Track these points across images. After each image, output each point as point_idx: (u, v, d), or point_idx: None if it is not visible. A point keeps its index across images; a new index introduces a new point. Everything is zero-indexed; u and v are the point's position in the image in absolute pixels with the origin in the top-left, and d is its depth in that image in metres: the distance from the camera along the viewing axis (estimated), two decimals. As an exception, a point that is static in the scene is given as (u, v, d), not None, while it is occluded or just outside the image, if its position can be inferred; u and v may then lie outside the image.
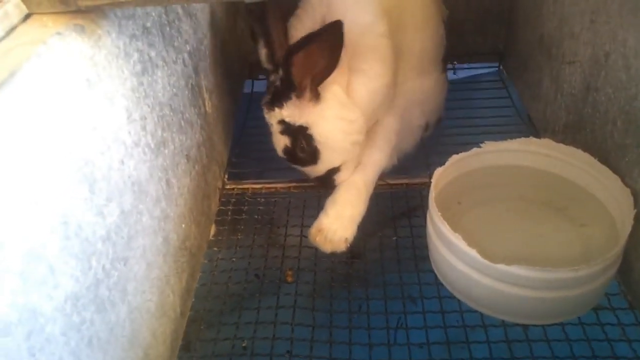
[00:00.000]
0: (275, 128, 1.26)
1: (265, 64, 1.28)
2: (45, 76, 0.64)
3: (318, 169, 1.29)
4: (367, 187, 1.30)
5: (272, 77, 1.25)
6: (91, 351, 0.69)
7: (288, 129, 1.24)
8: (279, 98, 1.22)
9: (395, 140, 1.37)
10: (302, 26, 1.27)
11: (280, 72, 1.20)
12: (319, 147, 1.24)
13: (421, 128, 1.48)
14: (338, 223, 1.23)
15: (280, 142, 1.27)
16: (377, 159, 1.34)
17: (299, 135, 1.24)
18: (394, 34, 1.29)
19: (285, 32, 1.27)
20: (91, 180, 0.72)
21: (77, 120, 0.70)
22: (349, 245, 1.22)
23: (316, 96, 1.21)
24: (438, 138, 1.55)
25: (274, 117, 1.25)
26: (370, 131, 1.33)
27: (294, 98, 1.20)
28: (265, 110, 1.27)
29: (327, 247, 1.22)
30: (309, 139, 1.23)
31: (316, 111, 1.21)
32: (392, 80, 1.30)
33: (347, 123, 1.24)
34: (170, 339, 0.98)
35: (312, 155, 1.26)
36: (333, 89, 1.23)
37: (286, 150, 1.28)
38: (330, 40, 1.12)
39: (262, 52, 1.27)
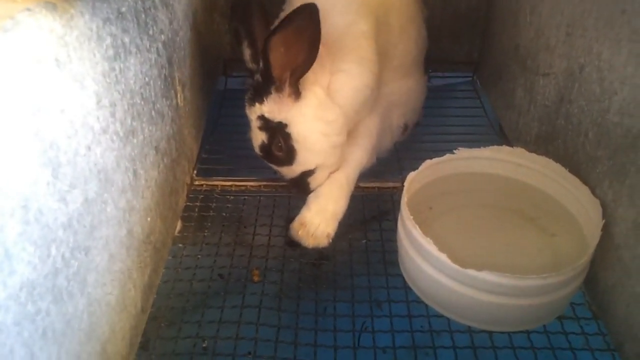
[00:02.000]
0: (255, 124, 1.25)
1: (250, 64, 1.26)
2: (12, 52, 0.61)
3: (293, 170, 1.27)
4: (349, 183, 1.30)
5: (256, 77, 1.23)
6: (45, 343, 0.65)
7: (267, 125, 1.22)
8: (260, 93, 1.21)
9: (376, 139, 1.37)
10: None
11: (261, 64, 1.17)
12: (296, 146, 1.22)
13: (400, 129, 1.48)
14: (320, 217, 1.22)
15: (258, 138, 1.25)
16: (359, 157, 1.33)
17: (277, 132, 1.22)
18: (379, 35, 1.28)
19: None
20: (55, 164, 0.68)
21: (44, 100, 0.66)
22: (330, 240, 1.21)
23: (296, 93, 1.19)
24: (410, 144, 1.55)
25: (254, 112, 1.24)
26: (352, 130, 1.32)
27: (273, 92, 1.19)
28: (247, 106, 1.26)
29: (309, 242, 1.21)
30: (287, 137, 1.22)
31: (295, 108, 1.20)
32: (375, 82, 1.29)
33: (325, 124, 1.23)
34: (129, 334, 0.95)
35: (288, 155, 1.24)
36: (314, 89, 1.21)
37: (262, 146, 1.26)
38: (305, 22, 1.10)
39: (246, 53, 1.26)
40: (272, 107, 1.21)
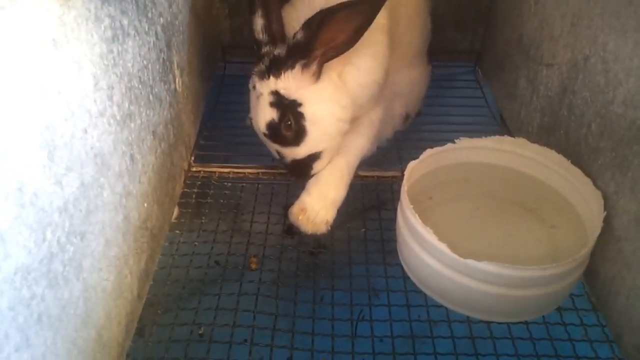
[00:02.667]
0: (265, 99, 1.19)
1: (260, 34, 1.21)
2: (8, 31, 0.59)
3: (299, 152, 1.23)
4: (349, 171, 1.28)
5: (267, 49, 1.20)
6: (40, 328, 0.65)
7: (279, 101, 1.18)
8: (277, 67, 1.17)
9: (378, 128, 1.35)
10: (296, 15, 1.23)
11: (300, 36, 1.13)
12: (307, 126, 1.19)
13: (402, 118, 1.47)
14: (321, 204, 1.20)
15: (267, 114, 1.20)
16: (360, 144, 1.32)
17: (289, 110, 1.18)
18: (390, 28, 1.26)
19: (280, 9, 1.23)
20: (51, 146, 0.67)
21: (40, 81, 0.65)
22: (329, 228, 1.20)
23: (318, 74, 1.17)
24: (411, 133, 1.54)
25: (266, 86, 1.19)
26: (355, 118, 1.31)
27: (297, 68, 1.16)
28: (256, 79, 1.21)
29: (308, 228, 1.19)
30: (299, 116, 1.18)
31: (313, 89, 1.17)
32: (384, 77, 1.28)
33: (340, 108, 1.21)
34: (125, 321, 0.94)
35: (297, 135, 1.20)
36: (330, 74, 1.20)
37: (271, 124, 1.21)
38: (366, 9, 1.09)
39: (258, 23, 1.20)
40: (288, 84, 1.17)
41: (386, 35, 1.26)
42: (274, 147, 1.25)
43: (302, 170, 1.27)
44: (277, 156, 1.28)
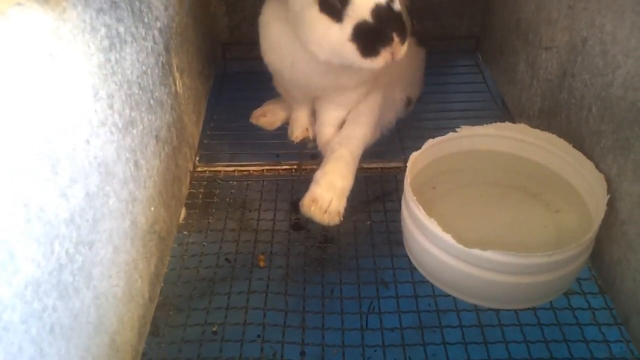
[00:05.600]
0: None
1: None
2: (5, 49, 0.60)
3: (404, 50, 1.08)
4: (354, 160, 1.29)
5: None
6: (53, 339, 0.66)
7: None
8: None
9: (379, 114, 1.35)
10: None
11: None
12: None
13: (403, 102, 1.47)
14: (331, 193, 1.21)
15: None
16: (363, 133, 1.33)
17: None
18: None
19: None
20: (54, 160, 0.68)
21: (39, 96, 0.66)
22: (342, 219, 1.20)
23: None
24: (413, 122, 1.53)
25: None
26: (354, 107, 1.31)
27: None
28: None
29: (324, 219, 1.19)
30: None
31: None
32: None
33: None
34: (138, 324, 0.96)
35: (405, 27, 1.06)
36: None
37: (379, 9, 1.02)
38: None
39: None
40: None
41: None
42: None
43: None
44: None
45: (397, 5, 1.05)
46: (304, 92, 1.38)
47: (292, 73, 1.27)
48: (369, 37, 1.04)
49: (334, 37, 1.07)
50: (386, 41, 1.04)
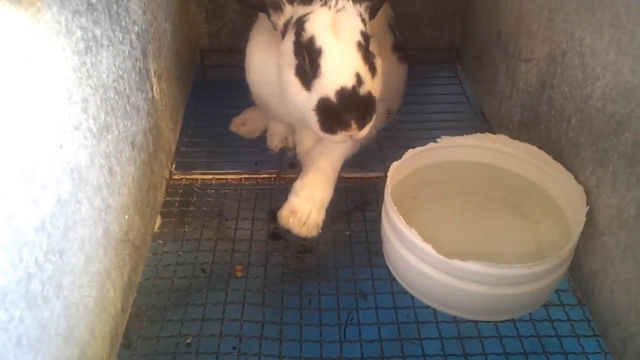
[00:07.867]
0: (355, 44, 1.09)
1: None
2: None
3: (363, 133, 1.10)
4: (334, 172, 1.28)
5: None
6: (20, 351, 0.63)
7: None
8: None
9: None
10: None
11: None
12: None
13: (383, 115, 1.46)
14: (310, 205, 1.19)
15: (352, 66, 1.07)
16: (342, 146, 1.31)
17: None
18: None
19: None
20: (25, 164, 0.65)
21: (9, 99, 0.63)
22: (320, 231, 1.19)
23: None
24: (393, 132, 1.53)
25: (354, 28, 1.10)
26: None
27: None
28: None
29: (302, 231, 1.18)
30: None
31: None
32: None
33: None
34: (109, 336, 0.93)
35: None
36: None
37: (343, 92, 1.05)
38: None
39: None
40: None
41: None
42: None
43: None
44: None
45: (365, 89, 1.06)
46: (286, 119, 1.38)
47: (278, 108, 1.29)
48: (328, 115, 1.06)
49: (302, 102, 1.10)
50: (344, 125, 1.05)
